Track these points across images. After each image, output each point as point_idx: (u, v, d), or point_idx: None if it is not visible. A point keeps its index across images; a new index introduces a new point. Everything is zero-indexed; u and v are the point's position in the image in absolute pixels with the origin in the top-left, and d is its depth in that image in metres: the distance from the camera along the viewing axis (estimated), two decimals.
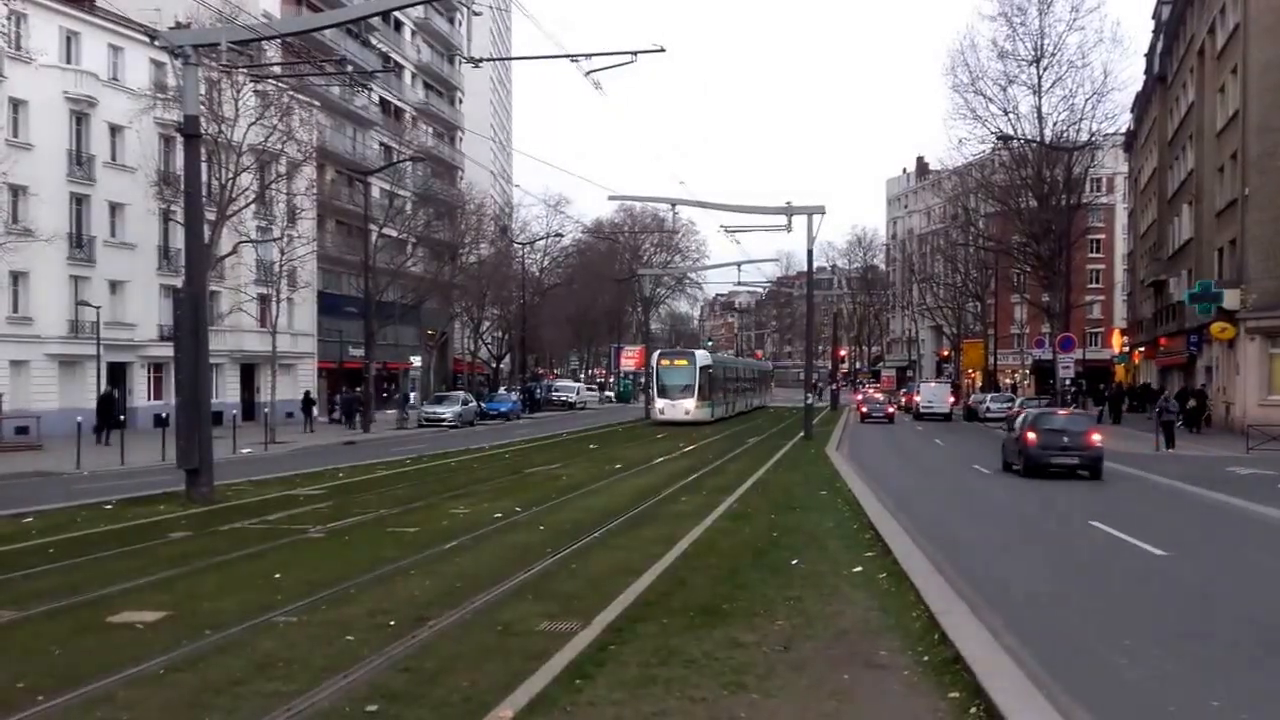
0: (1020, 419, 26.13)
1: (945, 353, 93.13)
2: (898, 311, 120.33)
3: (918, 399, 61.76)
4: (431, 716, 6.88)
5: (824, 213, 42.51)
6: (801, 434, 39.93)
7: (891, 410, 57.36)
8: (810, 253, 45.43)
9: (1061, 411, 27.97)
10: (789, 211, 42.70)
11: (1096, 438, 24.18)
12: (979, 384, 79.37)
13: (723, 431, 44.91)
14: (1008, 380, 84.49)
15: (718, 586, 10.86)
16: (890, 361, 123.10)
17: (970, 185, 62.28)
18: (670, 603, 10.04)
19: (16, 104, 41.16)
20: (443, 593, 10.73)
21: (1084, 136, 46.77)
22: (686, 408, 50.40)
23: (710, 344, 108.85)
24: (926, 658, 8.13)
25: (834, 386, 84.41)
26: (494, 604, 10.24)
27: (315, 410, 48.77)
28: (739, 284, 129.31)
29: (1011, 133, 46.56)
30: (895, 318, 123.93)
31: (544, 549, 13.48)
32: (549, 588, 11.06)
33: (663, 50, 23.85)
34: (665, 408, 51.05)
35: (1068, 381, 43.61)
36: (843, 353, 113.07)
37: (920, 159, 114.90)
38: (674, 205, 51.93)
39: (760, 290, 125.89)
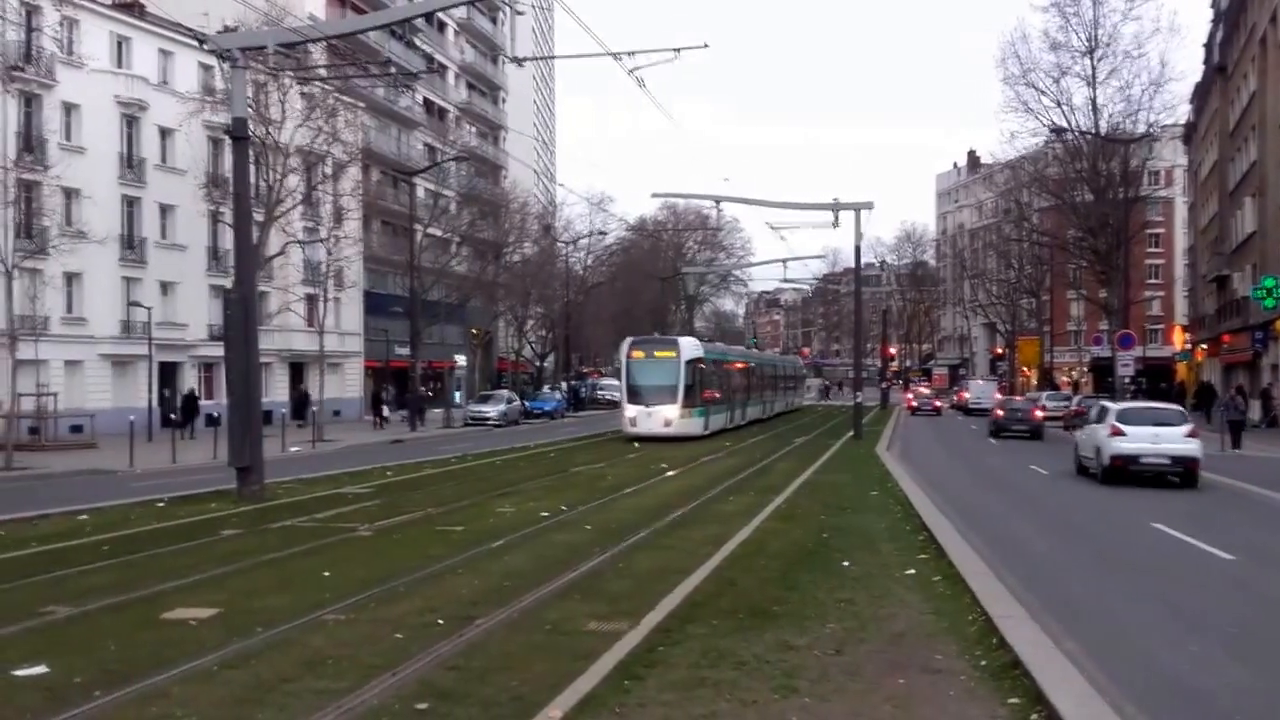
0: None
1: (999, 350, 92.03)
2: (949, 308, 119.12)
3: (967, 396, 63.71)
4: (481, 715, 6.85)
5: (871, 208, 42.18)
6: (850, 433, 39.63)
7: (938, 404, 65.42)
8: (858, 249, 45.02)
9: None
10: (835, 207, 42.39)
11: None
12: (1034, 382, 78.28)
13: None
14: (1065, 378, 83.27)
15: (767, 588, 10.74)
16: (942, 359, 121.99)
17: (1023, 179, 61.53)
18: (719, 604, 9.94)
19: (69, 108, 41.86)
20: (490, 591, 10.72)
21: (1141, 128, 45.93)
22: (667, 417, 36.60)
23: (755, 342, 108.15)
24: (984, 662, 7.96)
25: (883, 385, 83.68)
26: (541, 603, 10.21)
27: (386, 409, 49.03)
28: (785, 281, 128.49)
29: (1065, 125, 45.90)
30: (946, 315, 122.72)
31: (590, 548, 13.43)
32: (596, 587, 11.01)
33: (706, 46, 23.85)
34: (638, 417, 36.80)
35: (1127, 380, 42.91)
36: (892, 350, 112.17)
37: (971, 153, 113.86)
38: (718, 202, 50.70)
39: (806, 287, 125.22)
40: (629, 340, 39.75)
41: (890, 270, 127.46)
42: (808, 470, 25.24)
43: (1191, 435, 21.59)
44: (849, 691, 7.27)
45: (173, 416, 39.80)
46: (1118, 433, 21.67)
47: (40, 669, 7.83)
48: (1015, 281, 75.36)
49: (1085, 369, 77.37)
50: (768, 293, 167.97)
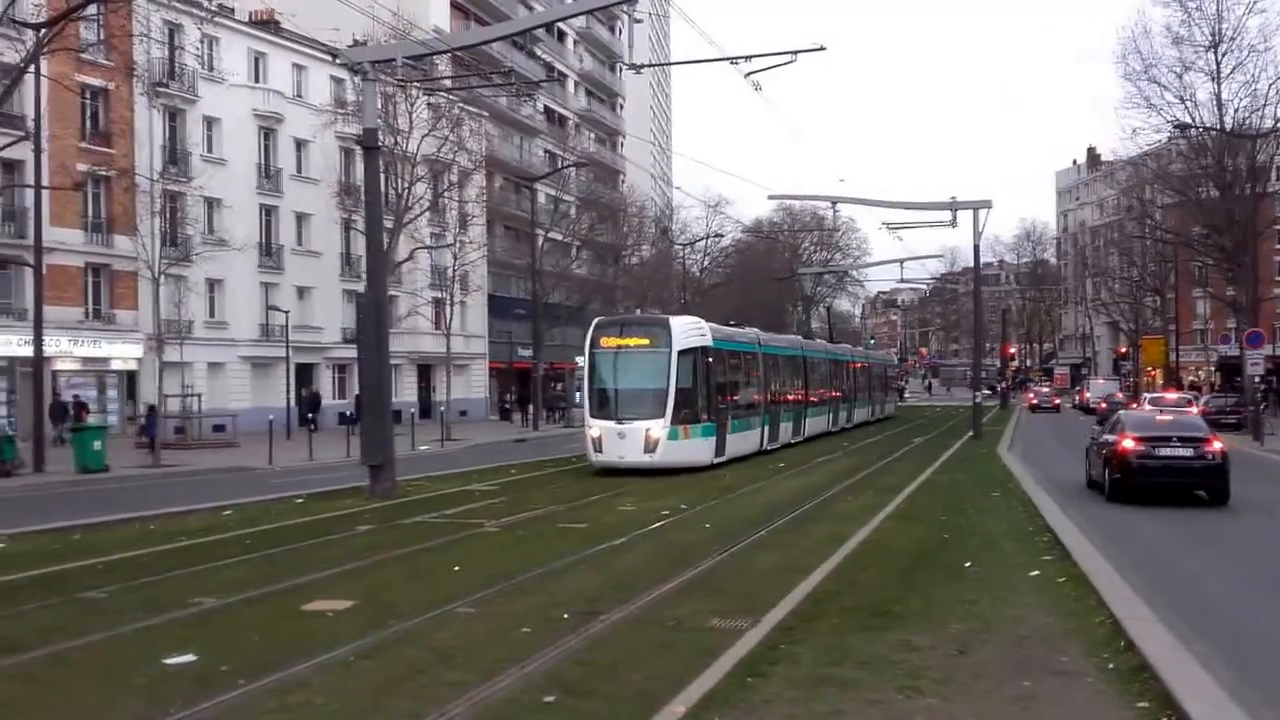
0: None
1: (1123, 350, 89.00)
2: (1070, 307, 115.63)
3: (1089, 395, 64.91)
4: (606, 709, 6.98)
5: (990, 207, 41.29)
6: (970, 433, 38.89)
7: (1057, 401, 68.90)
8: (976, 248, 44.12)
9: None
10: (953, 207, 41.63)
11: None
12: (1160, 382, 75.55)
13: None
14: (1190, 378, 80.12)
15: (888, 588, 10.68)
16: (1063, 359, 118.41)
17: (1145, 175, 59.66)
18: (840, 603, 9.93)
19: (210, 122, 43.80)
20: (613, 587, 10.89)
21: (1268, 123, 44.10)
22: (650, 436, 24.21)
23: (873, 341, 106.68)
24: (1112, 665, 7.81)
25: (1003, 385, 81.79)
26: (663, 599, 10.33)
27: (532, 408, 50.09)
28: (902, 281, 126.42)
29: (1189, 121, 44.30)
30: (1068, 314, 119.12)
31: (710, 546, 13.52)
32: (717, 584, 11.09)
33: (823, 49, 23.49)
34: (605, 438, 24.58)
35: (1257, 379, 41.11)
36: (1012, 350, 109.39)
37: (1091, 150, 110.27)
38: (834, 203, 50.32)
39: (924, 287, 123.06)
40: (596, 323, 26.50)
41: (1009, 269, 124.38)
42: (928, 470, 24.87)
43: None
44: (974, 693, 7.21)
45: (310, 416, 41.30)
46: None
47: (189, 657, 8.13)
48: (1138, 280, 72.95)
49: (1213, 368, 74.34)
50: (885, 293, 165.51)
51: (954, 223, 42.35)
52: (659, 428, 24.19)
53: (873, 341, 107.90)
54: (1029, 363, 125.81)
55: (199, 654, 8.22)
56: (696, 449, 25.22)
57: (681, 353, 24.92)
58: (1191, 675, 7.18)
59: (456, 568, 12.11)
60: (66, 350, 37.70)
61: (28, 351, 29.31)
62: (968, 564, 12.09)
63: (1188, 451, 18.51)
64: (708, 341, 26.28)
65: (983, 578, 11.26)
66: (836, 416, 42.34)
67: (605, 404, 25.12)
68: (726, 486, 21.68)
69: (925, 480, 22.49)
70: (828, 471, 25.37)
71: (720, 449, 26.37)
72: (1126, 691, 7.18)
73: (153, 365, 33.90)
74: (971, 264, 48.42)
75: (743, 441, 28.53)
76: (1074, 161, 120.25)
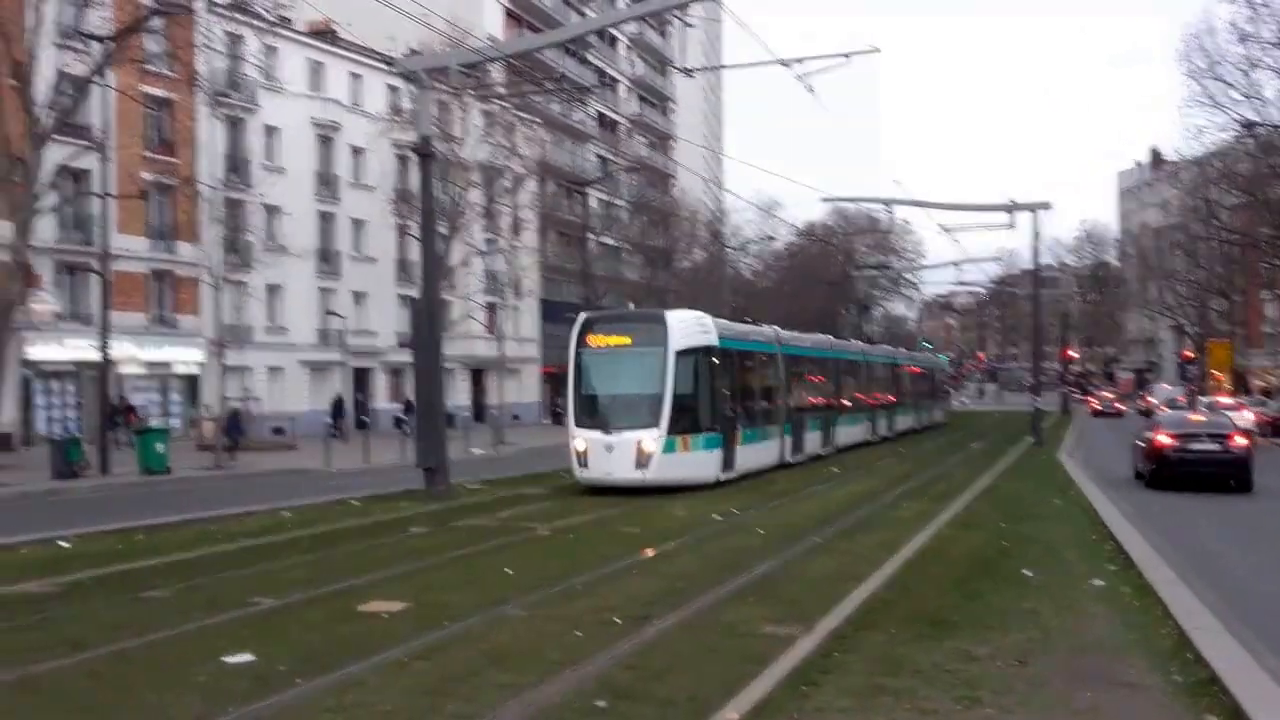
0: None
1: (1188, 354, 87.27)
2: (1133, 310, 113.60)
3: (1153, 400, 63.23)
4: (657, 714, 6.94)
5: (1049, 208, 40.91)
6: (1030, 439, 38.34)
7: (1120, 407, 67.86)
8: (1035, 250, 43.61)
9: None
10: (1011, 208, 41.15)
11: None
12: (1227, 386, 73.96)
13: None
14: (1259, 383, 78.29)
15: (945, 596, 10.53)
16: (1126, 363, 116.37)
17: (1211, 175, 58.42)
18: (896, 611, 9.81)
19: (270, 131, 44.53)
20: (665, 592, 10.85)
21: None
22: (642, 449, 21.12)
23: (929, 346, 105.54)
24: (1178, 678, 7.62)
25: (1064, 390, 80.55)
26: (715, 605, 10.28)
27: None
28: (958, 284, 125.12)
29: (1257, 119, 43.36)
30: (1130, 317, 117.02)
31: (763, 551, 13.45)
32: (770, 590, 11.01)
33: (877, 50, 23.36)
34: (592, 451, 21.51)
35: None
36: (1073, 354, 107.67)
37: (1154, 150, 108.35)
38: (889, 206, 49.77)
39: (982, 290, 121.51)
40: (583, 318, 23.31)
41: (1069, 272, 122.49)
42: (986, 476, 24.53)
43: None
44: (1034, 704, 7.07)
45: (364, 419, 41.78)
46: None
47: (248, 656, 8.22)
48: (1204, 282, 71.47)
49: None
50: (941, 296, 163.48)
51: (1012, 225, 41.92)
52: (652, 439, 21.01)
53: (928, 346, 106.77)
54: (1090, 367, 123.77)
55: (257, 653, 8.31)
56: (698, 463, 22.00)
57: (680, 353, 21.73)
58: (1263, 689, 6.97)
59: (509, 570, 12.15)
60: (131, 355, 38.50)
61: (94, 356, 29.97)
62: (1028, 572, 11.89)
63: (1215, 446, 21.56)
64: (712, 340, 23.01)
65: (1044, 586, 11.07)
66: (875, 425, 39.17)
67: (591, 412, 22.00)
68: (781, 490, 21.51)
69: (985, 487, 22.21)
70: (884, 475, 25.07)
71: (728, 463, 23.17)
72: (1194, 705, 7.00)
73: (214, 369, 34.48)
74: (1030, 266, 47.74)
75: (758, 454, 25.42)
76: (1136, 162, 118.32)
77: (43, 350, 35.91)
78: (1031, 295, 52.40)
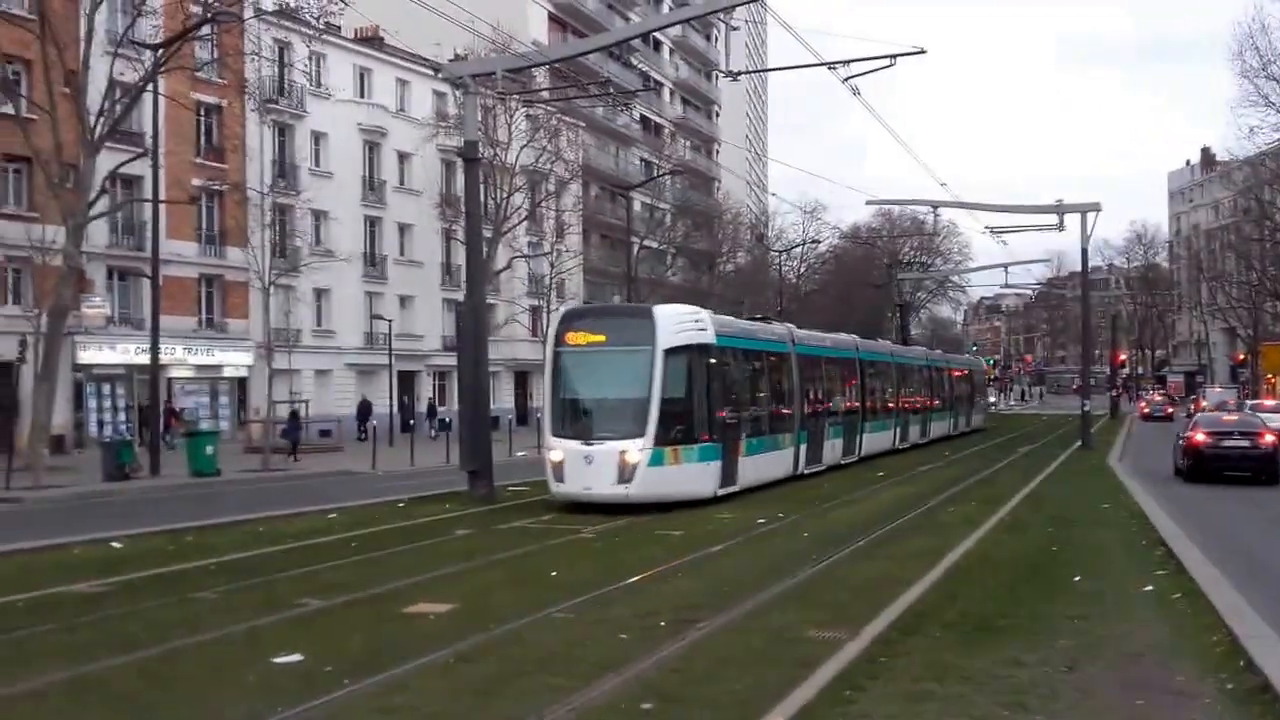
0: None
1: (1241, 357, 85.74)
2: (1184, 313, 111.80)
3: (1205, 404, 61.11)
4: (704, 718, 6.94)
5: (1099, 210, 40.12)
6: (1079, 443, 37.86)
7: (1170, 410, 66.29)
8: (1085, 252, 42.85)
9: None
10: (1060, 210, 40.59)
11: None
12: None
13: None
14: None
15: (992, 601, 10.42)
16: (1177, 366, 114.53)
17: (1265, 176, 57.45)
18: (942, 616, 9.73)
19: (317, 137, 45.05)
20: (710, 595, 10.85)
21: None
22: (623, 460, 18.69)
23: (975, 349, 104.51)
24: (1230, 685, 7.50)
25: (1113, 393, 79.42)
26: (760, 608, 10.28)
27: None
28: (1006, 286, 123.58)
29: None
30: (1181, 319, 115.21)
31: (809, 555, 13.40)
32: (815, 595, 10.98)
33: (923, 52, 23.10)
34: (568, 463, 19.02)
35: None
36: (1122, 357, 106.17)
37: (1205, 149, 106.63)
38: (935, 208, 49.24)
39: (1029, 292, 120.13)
40: (562, 313, 21.76)
41: (1119, 273, 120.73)
42: (1034, 480, 24.27)
43: None
44: (1083, 711, 7.01)
45: (410, 423, 42.15)
46: None
47: (296, 657, 8.31)
48: (1257, 284, 70.14)
49: None
50: (988, 298, 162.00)
51: (1061, 226, 41.20)
52: (637, 450, 18.54)
53: (974, 349, 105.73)
54: (1140, 370, 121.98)
55: (305, 654, 8.40)
56: (691, 477, 19.42)
57: (670, 352, 19.23)
58: None
59: (554, 572, 12.20)
60: (181, 358, 39.14)
61: (145, 359, 30.47)
62: (1077, 578, 11.76)
63: (1245, 443, 24.06)
64: (709, 338, 20.43)
65: (1093, 592, 10.95)
66: (905, 431, 36.51)
67: (569, 418, 19.64)
68: (827, 493, 21.37)
69: (1031, 491, 21.96)
70: (928, 483, 24.83)
71: (729, 476, 20.54)
72: (1245, 713, 6.90)
73: (262, 372, 34.92)
74: (1079, 268, 47.09)
75: (765, 465, 22.87)
76: (1187, 162, 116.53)
77: (94, 354, 36.54)
78: (1080, 297, 51.64)
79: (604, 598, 10.77)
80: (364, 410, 43.02)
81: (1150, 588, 11.17)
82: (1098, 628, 9.31)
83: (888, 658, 8.26)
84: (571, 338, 19.82)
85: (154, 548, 14.48)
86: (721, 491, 20.19)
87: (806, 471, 25.40)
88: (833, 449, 28.03)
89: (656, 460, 18.69)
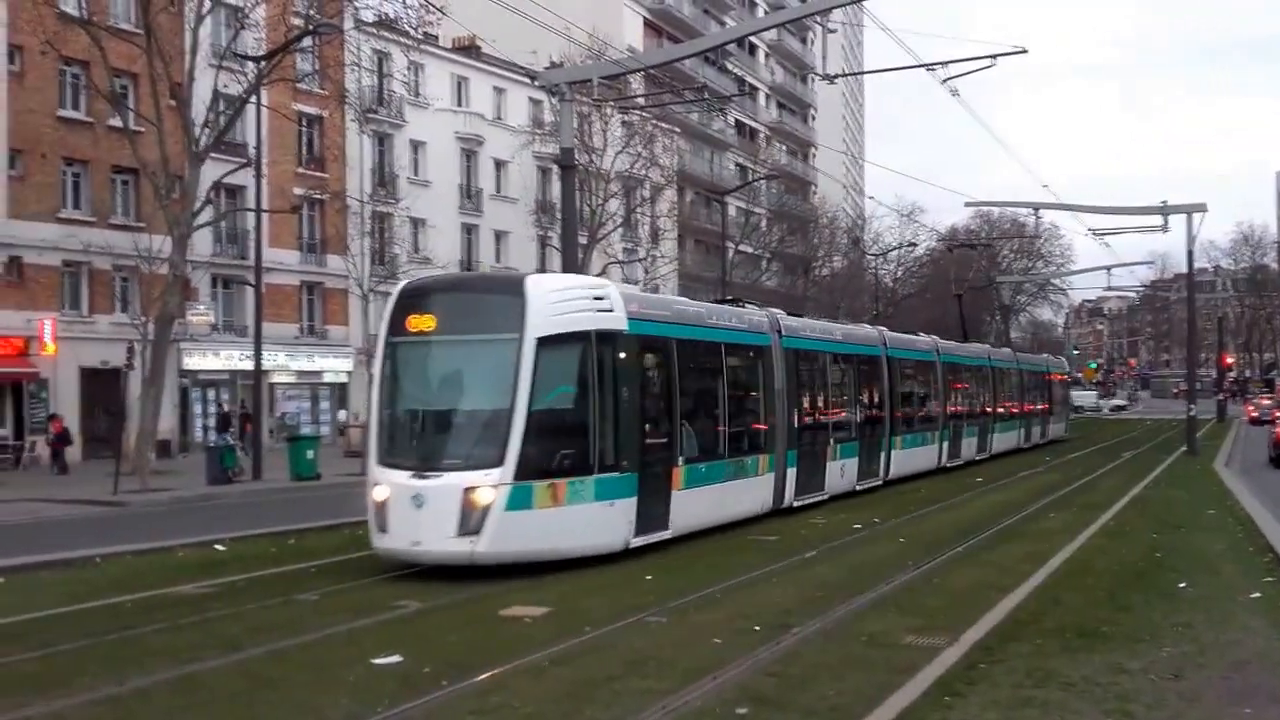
0: None
1: None
2: None
3: None
4: None
5: (1205, 210, 38.75)
6: (1184, 448, 36.67)
7: (1278, 414, 60.61)
8: (1190, 254, 41.41)
9: None
10: (1165, 211, 39.29)
11: None
12: None
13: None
14: None
15: (1095, 608, 10.19)
16: None
17: None
18: (1043, 622, 9.54)
19: (416, 145, 45.89)
20: (804, 601, 10.79)
21: None
22: (468, 501, 12.20)
23: (1076, 352, 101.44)
24: None
25: (1220, 397, 76.89)
26: (856, 614, 10.19)
27: None
28: (1108, 289, 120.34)
29: None
30: None
31: (905, 561, 13.24)
32: (911, 600, 10.84)
33: (1024, 51, 22.61)
34: (393, 503, 12.51)
35: None
36: (1229, 360, 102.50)
37: None
38: (1036, 210, 47.94)
39: (1133, 295, 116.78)
40: (399, 289, 14.23)
41: (1225, 275, 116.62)
42: (1137, 486, 23.60)
43: None
44: (1189, 719, 6.82)
45: None
46: None
47: (395, 658, 8.45)
48: None
49: None
50: (1089, 301, 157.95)
51: (1165, 227, 39.86)
52: (490, 485, 12.35)
53: (1075, 352, 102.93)
54: (1248, 373, 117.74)
55: (404, 655, 8.53)
56: (584, 523, 13.16)
57: (546, 341, 12.94)
58: None
59: (648, 577, 12.22)
60: (283, 364, 40.16)
61: (248, 365, 31.28)
62: (1182, 584, 11.44)
63: None
64: (614, 323, 13.85)
65: (1199, 599, 10.64)
66: (955, 445, 29.36)
67: (400, 439, 13.52)
68: (924, 499, 21.01)
69: (1135, 496, 21.41)
70: (1029, 487, 24.25)
71: (651, 518, 14.23)
72: None
73: (361, 378, 35.65)
74: (1184, 270, 45.58)
75: (721, 500, 16.31)
76: None
77: (199, 360, 37.66)
78: (1186, 299, 49.96)
79: (696, 603, 10.71)
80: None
81: (1258, 594, 10.83)
82: (1204, 635, 9.05)
83: (987, 664, 8.13)
84: (411, 323, 13.44)
85: (257, 550, 14.80)
86: (637, 541, 13.86)
87: (798, 503, 19.06)
88: (841, 471, 21.47)
89: (519, 501, 12.50)
